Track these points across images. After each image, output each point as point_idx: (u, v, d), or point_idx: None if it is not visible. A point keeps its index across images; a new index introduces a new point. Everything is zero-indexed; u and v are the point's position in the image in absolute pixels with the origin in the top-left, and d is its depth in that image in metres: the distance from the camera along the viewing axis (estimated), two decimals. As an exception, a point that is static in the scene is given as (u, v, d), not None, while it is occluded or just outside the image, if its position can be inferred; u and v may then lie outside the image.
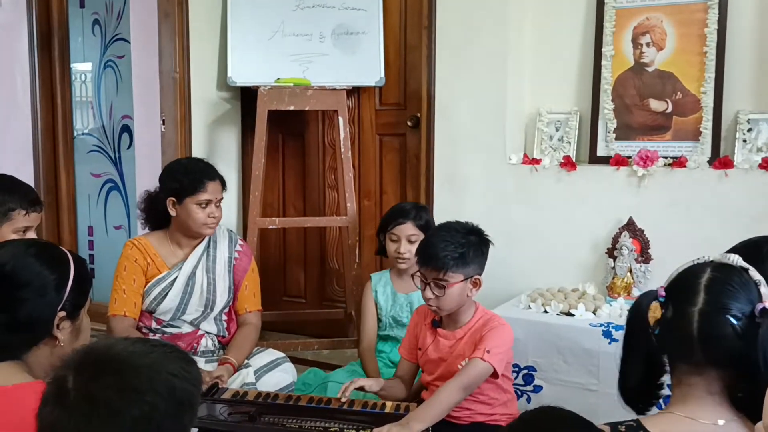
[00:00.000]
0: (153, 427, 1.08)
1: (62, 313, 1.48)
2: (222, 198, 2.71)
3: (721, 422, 1.31)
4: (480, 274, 2.20)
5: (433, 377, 2.27)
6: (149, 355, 1.12)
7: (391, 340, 2.81)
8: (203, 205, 2.63)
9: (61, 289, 1.48)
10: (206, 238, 2.73)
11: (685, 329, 1.31)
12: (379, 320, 2.83)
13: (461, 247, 2.15)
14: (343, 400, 2.18)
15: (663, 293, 1.37)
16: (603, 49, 3.12)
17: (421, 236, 2.66)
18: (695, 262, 1.41)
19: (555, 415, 1.21)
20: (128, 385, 1.08)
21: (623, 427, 1.31)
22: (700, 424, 1.31)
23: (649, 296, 1.39)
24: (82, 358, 1.12)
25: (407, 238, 2.71)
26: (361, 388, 2.23)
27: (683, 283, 1.37)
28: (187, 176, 2.65)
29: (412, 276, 2.32)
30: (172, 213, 2.66)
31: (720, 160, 2.85)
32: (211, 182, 2.65)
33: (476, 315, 2.24)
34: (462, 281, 2.15)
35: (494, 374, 2.12)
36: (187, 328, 2.72)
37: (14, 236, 2.21)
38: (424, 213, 2.81)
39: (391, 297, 2.81)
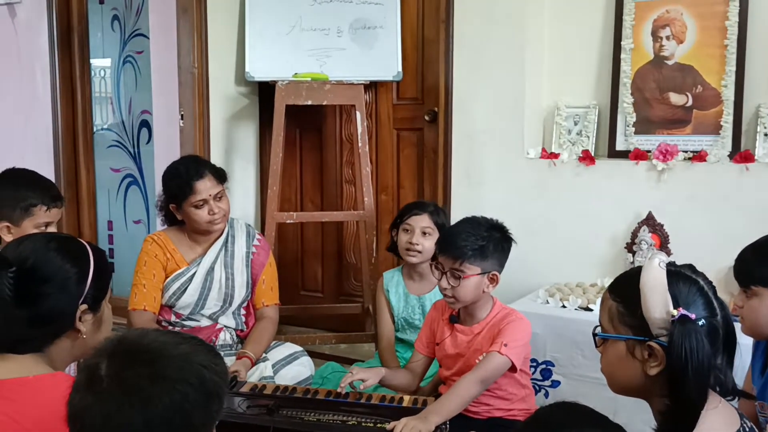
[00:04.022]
0: (183, 416, 1.08)
1: (84, 306, 1.49)
2: (221, 191, 2.65)
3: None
4: (499, 272, 2.19)
5: (451, 372, 2.27)
6: (180, 346, 1.13)
7: (404, 343, 2.75)
8: (200, 206, 2.61)
9: (82, 282, 1.48)
10: (224, 233, 2.74)
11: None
12: (392, 321, 2.78)
13: (482, 240, 2.14)
14: (343, 392, 2.17)
15: (689, 313, 1.30)
16: (622, 43, 3.09)
17: (436, 233, 2.64)
18: (669, 269, 1.34)
19: (571, 411, 1.20)
20: (161, 374, 1.08)
21: None
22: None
23: (691, 323, 1.29)
24: (115, 346, 1.13)
25: (421, 230, 2.65)
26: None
27: (693, 295, 1.33)
28: (174, 181, 2.62)
29: (430, 265, 2.30)
30: (179, 217, 2.68)
31: (741, 154, 2.82)
32: (199, 181, 2.59)
33: (494, 310, 2.23)
34: (479, 275, 2.14)
35: (512, 368, 2.12)
36: (205, 322, 2.73)
37: (35, 231, 2.23)
38: (443, 213, 2.76)
39: (403, 298, 2.76)
